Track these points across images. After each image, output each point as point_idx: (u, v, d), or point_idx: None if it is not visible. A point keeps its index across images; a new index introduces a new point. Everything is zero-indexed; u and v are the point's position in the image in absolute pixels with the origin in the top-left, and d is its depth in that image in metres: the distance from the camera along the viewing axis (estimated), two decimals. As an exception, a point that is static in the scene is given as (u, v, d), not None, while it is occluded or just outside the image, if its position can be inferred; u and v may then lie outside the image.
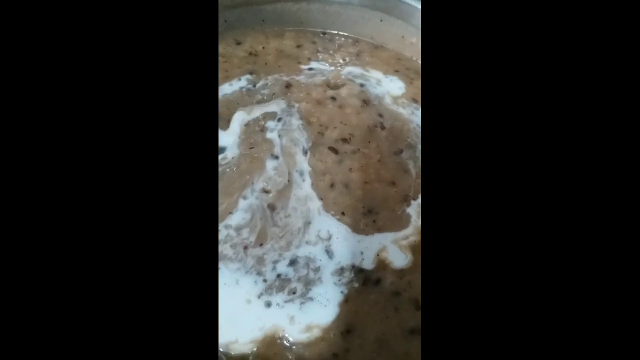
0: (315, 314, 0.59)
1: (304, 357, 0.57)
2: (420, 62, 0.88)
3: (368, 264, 0.64)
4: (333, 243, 0.65)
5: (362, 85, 0.83)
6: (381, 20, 0.88)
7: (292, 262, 0.63)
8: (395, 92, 0.84)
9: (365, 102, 0.80)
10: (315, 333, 0.58)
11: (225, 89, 0.79)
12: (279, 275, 0.61)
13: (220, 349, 0.56)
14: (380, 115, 0.79)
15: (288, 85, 0.81)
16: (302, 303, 0.60)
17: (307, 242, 0.64)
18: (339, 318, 0.59)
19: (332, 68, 0.86)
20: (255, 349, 0.57)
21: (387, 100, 0.82)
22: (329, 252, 0.64)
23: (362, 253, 0.64)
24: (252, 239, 0.64)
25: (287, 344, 0.57)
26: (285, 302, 0.60)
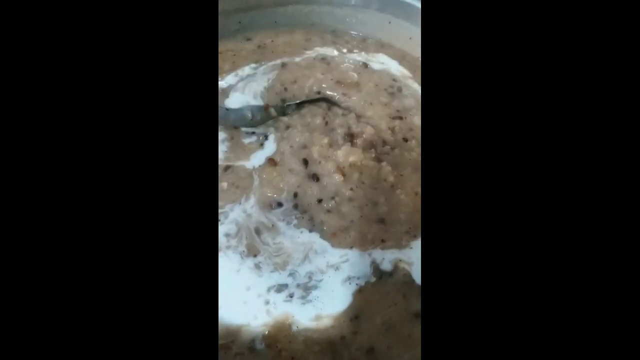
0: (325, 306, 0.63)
1: (312, 339, 0.60)
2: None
3: (387, 267, 0.66)
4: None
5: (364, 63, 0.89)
6: (390, 23, 0.91)
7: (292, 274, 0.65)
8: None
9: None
10: (326, 322, 0.61)
11: (230, 80, 0.84)
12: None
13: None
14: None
15: (283, 65, 0.86)
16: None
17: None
18: (350, 307, 0.62)
19: (337, 53, 0.90)
20: (266, 332, 0.60)
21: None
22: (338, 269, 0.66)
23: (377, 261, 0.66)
24: (243, 249, 0.66)
25: (297, 329, 0.60)
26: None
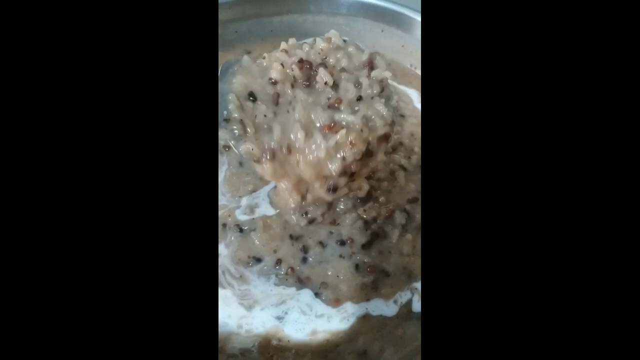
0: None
1: (304, 350, 0.61)
2: (414, 69, 0.94)
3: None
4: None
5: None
6: (382, 31, 0.93)
7: None
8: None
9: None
10: (321, 336, 0.63)
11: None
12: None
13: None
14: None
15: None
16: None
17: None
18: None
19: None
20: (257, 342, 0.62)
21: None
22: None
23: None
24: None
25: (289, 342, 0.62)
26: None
